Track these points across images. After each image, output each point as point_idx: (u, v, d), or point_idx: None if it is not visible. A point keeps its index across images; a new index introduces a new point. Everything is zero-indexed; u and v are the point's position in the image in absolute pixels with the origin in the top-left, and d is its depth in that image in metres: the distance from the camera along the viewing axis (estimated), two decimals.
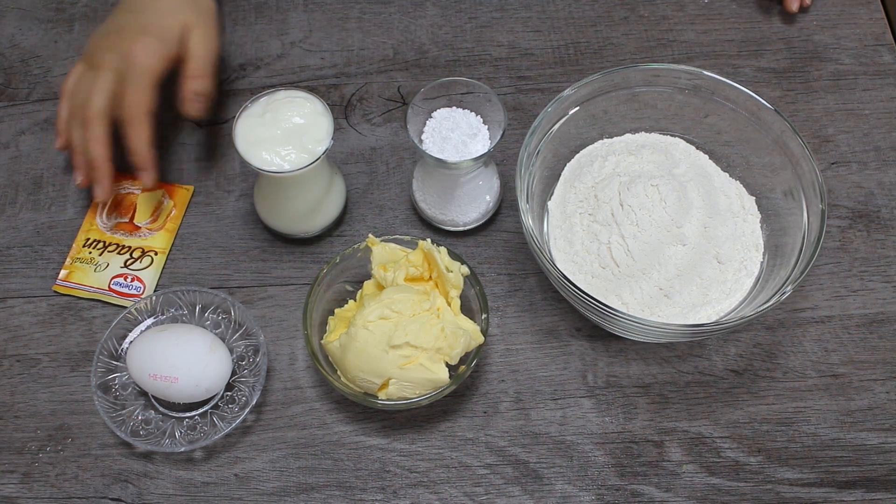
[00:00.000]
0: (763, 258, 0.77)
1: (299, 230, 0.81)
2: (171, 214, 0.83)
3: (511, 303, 0.80)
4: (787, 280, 0.71)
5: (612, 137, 0.82)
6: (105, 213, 0.83)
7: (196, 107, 0.80)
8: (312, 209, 0.79)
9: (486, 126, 0.77)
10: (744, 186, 0.80)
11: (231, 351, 0.75)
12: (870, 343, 0.78)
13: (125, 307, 0.78)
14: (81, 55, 0.82)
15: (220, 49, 0.83)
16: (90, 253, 0.81)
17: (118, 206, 0.84)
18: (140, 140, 0.77)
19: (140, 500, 0.73)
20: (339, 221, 0.83)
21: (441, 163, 0.75)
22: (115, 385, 0.75)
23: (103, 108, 0.77)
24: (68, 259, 0.81)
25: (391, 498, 0.73)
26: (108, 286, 0.80)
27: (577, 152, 0.82)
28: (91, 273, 0.80)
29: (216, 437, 0.72)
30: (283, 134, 0.74)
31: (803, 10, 0.94)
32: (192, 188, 0.85)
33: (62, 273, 0.80)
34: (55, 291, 0.80)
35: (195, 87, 0.80)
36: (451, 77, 0.76)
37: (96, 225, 0.83)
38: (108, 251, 0.82)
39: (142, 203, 0.84)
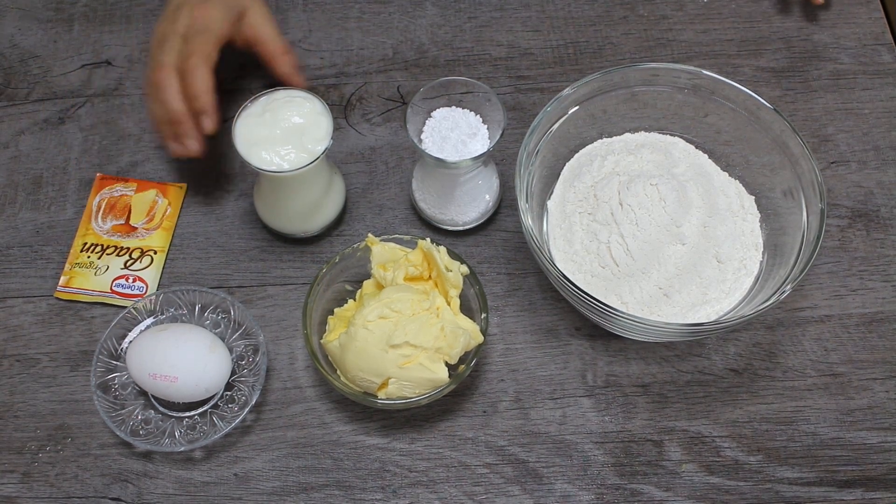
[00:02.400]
0: (762, 257, 0.77)
1: (299, 230, 0.81)
2: (167, 213, 0.84)
3: (510, 302, 0.80)
4: (786, 279, 0.71)
5: (611, 137, 0.82)
6: (101, 217, 0.83)
7: (300, 77, 0.83)
8: (312, 209, 0.79)
9: (486, 126, 0.77)
10: (743, 186, 0.80)
11: (231, 350, 0.75)
12: (869, 342, 0.78)
13: (125, 307, 0.78)
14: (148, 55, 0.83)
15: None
16: (88, 257, 0.81)
17: (113, 209, 0.84)
18: (201, 84, 0.77)
19: (140, 500, 0.73)
20: (338, 221, 0.83)
21: (440, 162, 0.75)
22: (115, 385, 0.75)
23: (172, 63, 0.77)
24: (67, 265, 0.81)
25: (391, 497, 0.73)
26: (111, 288, 0.80)
27: (577, 152, 0.82)
28: (92, 277, 0.80)
29: (216, 436, 0.72)
30: (283, 133, 0.74)
31: (823, 7, 0.94)
32: (185, 186, 0.85)
33: (62, 279, 0.80)
34: (57, 298, 0.80)
35: (292, 61, 0.83)
36: (450, 77, 0.76)
37: (92, 229, 0.83)
38: (107, 254, 0.81)
39: (136, 204, 0.84)
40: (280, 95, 0.75)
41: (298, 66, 0.84)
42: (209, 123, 0.78)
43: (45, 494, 0.73)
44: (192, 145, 0.78)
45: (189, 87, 0.77)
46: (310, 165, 0.73)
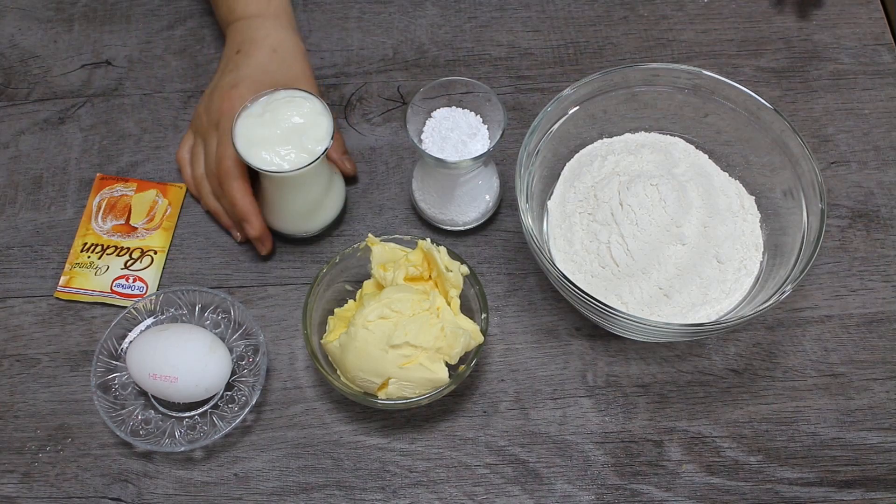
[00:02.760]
0: (763, 258, 0.77)
1: (299, 230, 0.81)
2: (167, 213, 0.84)
3: (511, 302, 0.80)
4: (786, 279, 0.71)
5: (611, 137, 0.82)
6: (101, 217, 0.83)
7: (349, 163, 0.84)
8: (312, 209, 0.79)
9: (486, 126, 0.77)
10: (743, 186, 0.80)
11: (231, 351, 0.75)
12: (869, 342, 0.78)
13: (125, 307, 0.78)
14: (190, 123, 0.85)
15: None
16: (89, 257, 0.81)
17: (113, 209, 0.84)
18: (235, 192, 0.77)
19: (140, 500, 0.73)
20: (338, 221, 0.83)
21: (440, 162, 0.75)
22: (115, 385, 0.75)
23: (206, 172, 0.80)
24: (67, 265, 0.81)
25: (391, 497, 0.73)
26: (111, 288, 0.80)
27: (577, 152, 0.82)
28: (92, 277, 0.80)
29: (216, 436, 0.72)
30: (283, 133, 0.73)
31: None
32: (185, 186, 0.85)
33: (62, 279, 0.80)
34: (57, 298, 0.80)
35: (340, 145, 0.84)
36: (450, 77, 0.76)
37: (92, 229, 0.83)
38: (107, 254, 0.81)
39: (136, 204, 0.84)
40: (280, 95, 0.75)
41: (345, 150, 0.84)
42: (251, 229, 0.78)
43: (45, 494, 0.73)
44: (241, 236, 0.82)
45: (225, 196, 0.78)
46: (310, 166, 0.73)
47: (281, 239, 0.83)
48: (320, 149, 0.73)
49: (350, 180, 0.85)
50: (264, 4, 0.83)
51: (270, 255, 0.81)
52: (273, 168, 0.73)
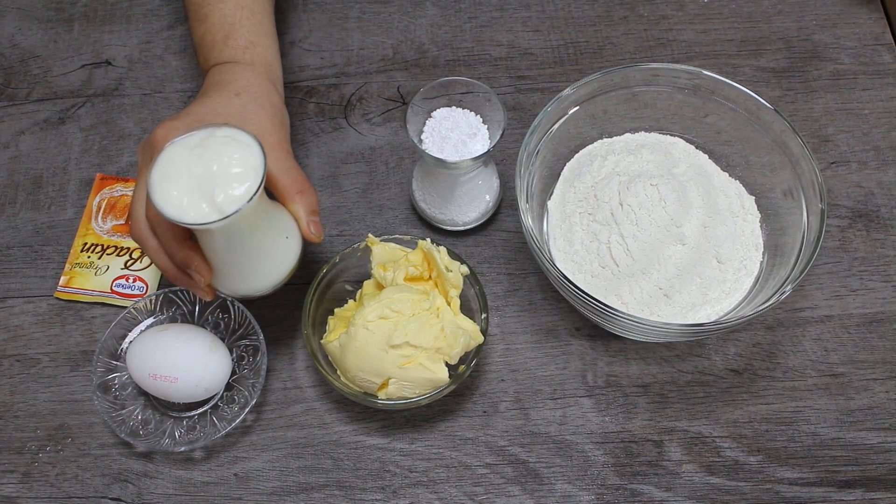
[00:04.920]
0: (762, 258, 0.77)
1: (233, 291, 0.70)
2: None
3: (511, 302, 0.80)
4: (786, 280, 0.71)
5: (611, 137, 0.82)
6: (101, 217, 0.83)
7: (315, 227, 0.70)
8: (243, 272, 0.68)
9: (486, 126, 0.77)
10: (743, 186, 0.80)
11: (231, 351, 0.75)
12: (869, 343, 0.78)
13: (125, 307, 0.78)
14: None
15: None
16: (89, 257, 0.81)
17: (113, 209, 0.84)
18: (168, 239, 0.67)
19: (140, 500, 0.73)
20: (293, 279, 0.72)
21: (440, 162, 0.75)
22: (115, 385, 0.75)
23: (142, 219, 0.68)
24: (67, 265, 0.81)
25: (391, 497, 0.73)
26: (111, 288, 0.80)
27: (577, 152, 0.82)
28: (92, 277, 0.80)
29: (216, 436, 0.72)
30: (203, 177, 0.61)
31: None
32: None
33: (62, 279, 0.80)
34: (57, 298, 0.80)
35: (309, 202, 0.70)
36: (450, 77, 0.76)
37: (92, 229, 0.83)
38: (107, 254, 0.81)
39: None
40: (221, 133, 0.63)
41: (316, 210, 0.70)
42: (199, 279, 0.68)
43: (45, 494, 0.73)
44: (204, 296, 0.70)
45: (162, 243, 0.68)
46: (208, 225, 0.61)
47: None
48: (231, 209, 0.60)
49: (357, 204, 0.77)
50: (240, 51, 0.76)
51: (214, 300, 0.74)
52: (170, 212, 0.61)
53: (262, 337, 0.75)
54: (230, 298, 0.74)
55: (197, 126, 0.65)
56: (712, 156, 0.81)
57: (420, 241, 0.72)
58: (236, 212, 0.61)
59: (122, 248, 0.82)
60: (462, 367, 0.71)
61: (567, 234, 0.77)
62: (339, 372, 0.72)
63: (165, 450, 0.72)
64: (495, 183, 0.81)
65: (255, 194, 0.61)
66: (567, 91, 0.77)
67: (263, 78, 0.76)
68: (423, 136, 0.76)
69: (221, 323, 0.78)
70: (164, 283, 0.81)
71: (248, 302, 0.75)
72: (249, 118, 0.71)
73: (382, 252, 0.73)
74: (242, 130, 0.63)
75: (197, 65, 0.82)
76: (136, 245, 0.81)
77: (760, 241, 0.77)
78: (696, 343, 0.78)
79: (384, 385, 0.69)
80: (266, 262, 0.68)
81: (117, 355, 0.76)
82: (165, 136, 0.66)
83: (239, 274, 0.68)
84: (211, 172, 0.61)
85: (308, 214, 0.69)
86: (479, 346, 0.71)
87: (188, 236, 0.67)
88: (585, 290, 0.68)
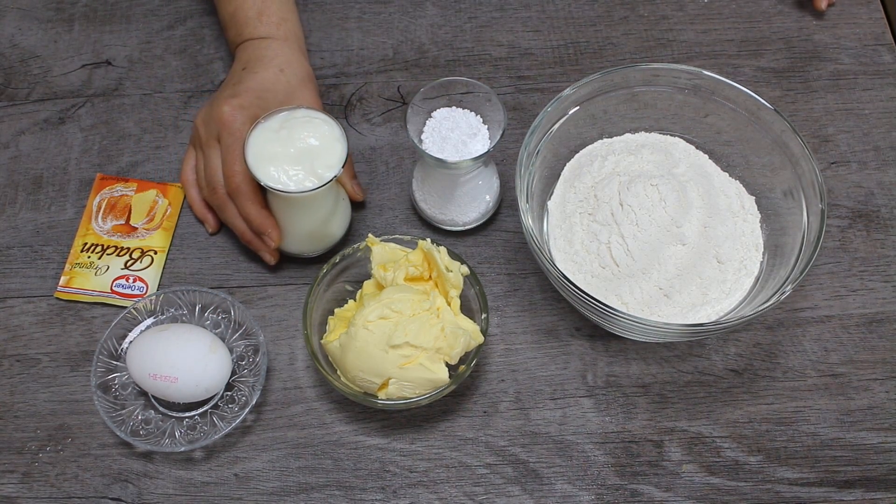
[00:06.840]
0: (763, 258, 0.77)
1: (301, 251, 0.80)
2: (167, 213, 0.84)
3: (511, 302, 0.80)
4: (786, 280, 0.71)
5: (611, 137, 0.82)
6: (101, 217, 0.83)
7: (361, 192, 0.82)
8: (315, 232, 0.78)
9: (486, 126, 0.77)
10: (743, 186, 0.80)
11: (231, 351, 0.75)
12: (869, 343, 0.78)
13: (125, 307, 0.78)
14: (190, 139, 0.84)
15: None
16: (89, 257, 0.81)
17: (113, 209, 0.84)
18: (248, 208, 0.76)
19: (140, 500, 0.73)
20: (342, 244, 0.81)
21: (441, 162, 0.75)
22: (115, 385, 0.75)
23: (220, 184, 0.78)
24: (67, 265, 0.81)
25: (391, 498, 0.73)
26: (111, 288, 0.80)
27: (577, 152, 0.82)
28: (92, 277, 0.80)
29: (216, 436, 0.72)
30: (296, 153, 0.72)
31: (830, 5, 0.94)
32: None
33: (62, 279, 0.80)
34: (57, 298, 0.80)
35: (354, 185, 0.82)
36: (450, 77, 0.76)
37: (93, 229, 0.83)
38: (107, 254, 0.81)
39: (136, 204, 0.84)
40: (300, 114, 0.74)
41: (354, 174, 0.83)
42: (270, 241, 0.77)
43: (45, 494, 0.73)
44: (269, 259, 0.80)
45: (240, 212, 0.77)
46: (315, 190, 0.72)
47: (284, 258, 0.82)
48: (329, 175, 0.72)
49: (357, 204, 0.84)
50: (274, 27, 0.83)
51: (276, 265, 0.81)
52: (279, 186, 0.72)
53: (262, 337, 0.75)
54: (294, 255, 0.81)
55: (257, 103, 0.77)
56: (712, 156, 0.81)
57: (420, 242, 0.72)
58: (334, 177, 0.72)
59: (122, 248, 0.82)
60: (462, 368, 0.71)
61: (567, 235, 0.77)
62: (339, 372, 0.72)
63: (165, 450, 0.72)
64: (495, 183, 0.81)
65: (345, 160, 0.72)
66: (567, 91, 0.77)
67: (299, 53, 0.83)
68: (423, 136, 0.76)
69: (221, 323, 0.78)
70: (164, 283, 0.81)
71: (287, 264, 0.82)
72: (297, 93, 0.80)
73: (382, 252, 0.73)
74: (314, 110, 0.75)
75: (226, 40, 0.88)
76: (137, 245, 0.82)
77: (760, 241, 0.77)
78: (696, 343, 0.78)
79: (384, 385, 0.69)
80: (334, 221, 0.78)
81: (117, 355, 0.76)
82: (233, 114, 0.76)
83: (309, 235, 0.78)
84: (306, 146, 0.72)
85: (351, 178, 0.82)
86: (479, 347, 0.71)
87: (265, 204, 0.77)
88: (585, 291, 0.68)
